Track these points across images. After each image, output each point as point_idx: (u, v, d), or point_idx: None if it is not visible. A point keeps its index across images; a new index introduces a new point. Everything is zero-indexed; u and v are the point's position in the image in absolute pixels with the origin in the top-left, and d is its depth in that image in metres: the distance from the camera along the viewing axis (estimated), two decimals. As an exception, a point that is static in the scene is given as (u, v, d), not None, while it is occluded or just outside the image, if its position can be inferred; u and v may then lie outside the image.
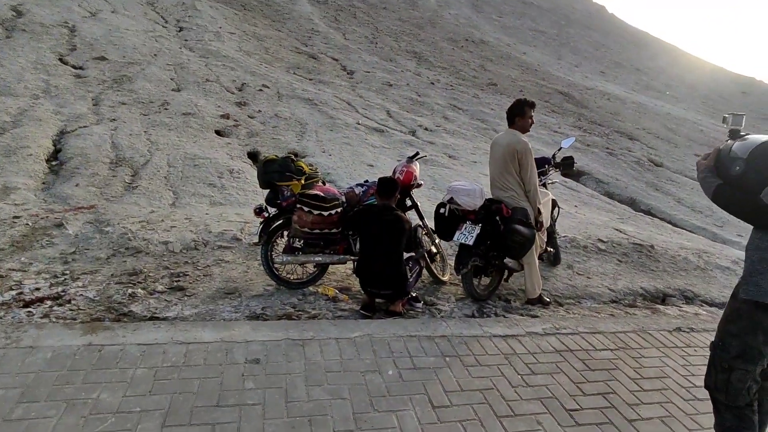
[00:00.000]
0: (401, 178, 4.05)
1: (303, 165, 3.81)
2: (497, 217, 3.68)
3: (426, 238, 4.26)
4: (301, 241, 3.75)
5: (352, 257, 3.92)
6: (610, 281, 4.99)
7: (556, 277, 4.82)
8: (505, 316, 3.79)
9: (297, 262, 3.79)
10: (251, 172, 6.45)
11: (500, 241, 3.69)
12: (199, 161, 6.34)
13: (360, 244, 3.64)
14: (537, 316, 3.89)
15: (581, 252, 5.55)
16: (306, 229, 3.66)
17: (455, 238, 3.85)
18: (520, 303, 4.16)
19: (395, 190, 3.62)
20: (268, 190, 3.84)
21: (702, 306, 4.87)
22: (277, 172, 3.70)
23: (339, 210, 3.72)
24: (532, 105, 3.97)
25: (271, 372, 2.52)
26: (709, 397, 2.10)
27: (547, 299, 4.23)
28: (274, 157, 3.81)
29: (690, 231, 8.43)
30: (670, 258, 5.91)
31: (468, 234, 3.79)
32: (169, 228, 4.51)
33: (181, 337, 2.73)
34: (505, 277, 4.20)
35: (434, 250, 4.36)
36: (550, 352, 3.11)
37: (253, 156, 7.19)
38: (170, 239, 4.31)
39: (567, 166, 4.66)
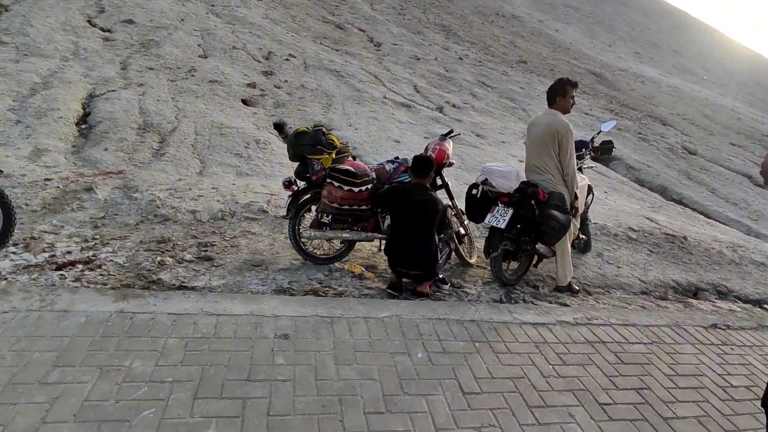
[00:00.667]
0: (433, 155, 3.93)
1: (334, 138, 3.72)
2: (533, 201, 3.56)
3: (455, 219, 4.16)
4: (329, 217, 3.69)
5: (380, 235, 3.86)
6: (641, 272, 4.85)
7: (585, 264, 4.70)
8: (534, 303, 3.71)
9: (324, 237, 3.75)
10: (278, 144, 6.39)
11: (534, 226, 3.57)
12: (226, 130, 6.29)
13: (391, 223, 3.57)
14: (567, 305, 3.80)
15: (611, 240, 5.40)
16: (335, 205, 3.60)
17: (486, 221, 3.75)
18: (549, 290, 4.07)
19: (430, 169, 3.52)
20: (298, 163, 3.77)
21: (736, 302, 4.71)
22: (308, 145, 3.62)
23: (369, 187, 3.64)
24: (574, 85, 3.79)
25: (301, 348, 2.50)
26: (745, 398, 2.00)
27: (576, 287, 4.12)
28: (305, 129, 3.72)
29: (723, 224, 8.14)
30: (703, 251, 5.72)
31: (500, 217, 3.68)
32: (196, 197, 4.50)
33: (211, 309, 2.72)
34: (534, 262, 4.09)
35: (462, 231, 4.26)
36: (582, 343, 3.03)
37: (279, 127, 7.12)
38: (198, 208, 4.30)
39: (605, 151, 4.47)
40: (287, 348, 2.49)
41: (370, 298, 3.23)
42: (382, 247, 3.94)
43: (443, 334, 2.86)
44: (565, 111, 3.78)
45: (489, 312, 3.21)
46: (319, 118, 7.49)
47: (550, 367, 2.72)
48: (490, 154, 7.57)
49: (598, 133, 4.61)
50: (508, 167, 3.64)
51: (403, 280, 3.56)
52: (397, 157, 4.13)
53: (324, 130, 3.74)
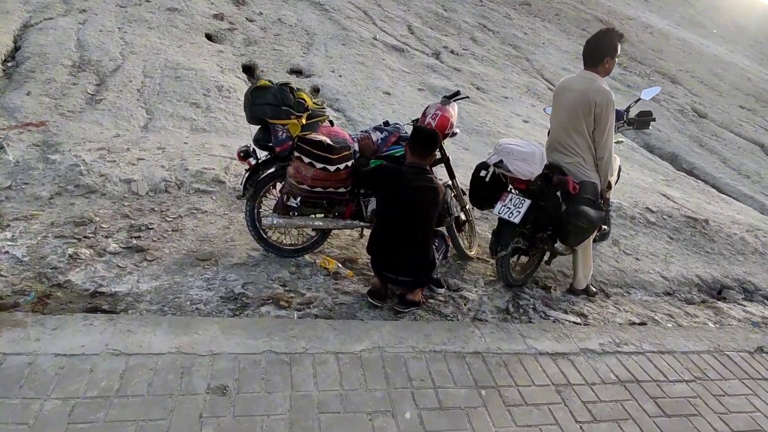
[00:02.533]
0: (433, 123, 3.08)
1: (305, 97, 2.83)
2: (558, 193, 2.79)
3: (454, 201, 3.38)
4: (298, 199, 2.87)
5: (363, 224, 3.08)
6: (662, 265, 4.21)
7: (600, 256, 4.02)
8: (546, 314, 3.04)
9: (291, 225, 2.95)
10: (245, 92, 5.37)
11: (558, 223, 2.83)
12: (183, 72, 5.23)
13: (377, 214, 2.78)
14: (585, 315, 3.15)
15: (628, 224, 4.71)
16: (304, 186, 2.78)
17: (496, 211, 2.99)
18: (561, 291, 3.40)
19: (435, 147, 2.70)
20: (258, 127, 2.90)
21: (765, 304, 4.14)
22: (270, 105, 2.73)
23: (349, 164, 2.81)
24: (621, 37, 2.91)
25: (242, 412, 1.78)
26: None
27: (594, 288, 3.46)
28: (267, 83, 2.81)
29: (736, 199, 7.53)
30: (725, 237, 5.09)
31: (513, 208, 2.92)
32: (135, 160, 3.60)
33: (121, 344, 1.96)
34: (546, 259, 3.39)
35: (463, 217, 3.51)
36: (613, 383, 2.39)
37: (249, 70, 6.05)
38: (135, 177, 3.42)
39: (643, 124, 3.66)
40: (222, 411, 1.77)
41: (343, 321, 2.49)
42: (365, 235, 3.18)
43: (439, 376, 2.17)
44: (607, 74, 2.93)
45: (497, 338, 2.53)
46: (297, 62, 6.42)
47: (577, 426, 2.08)
48: (493, 112, 6.67)
49: (636, 102, 3.77)
50: (530, 146, 2.82)
51: (389, 284, 2.83)
52: (386, 123, 3.27)
53: (292, 85, 2.83)
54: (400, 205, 2.60)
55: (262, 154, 2.93)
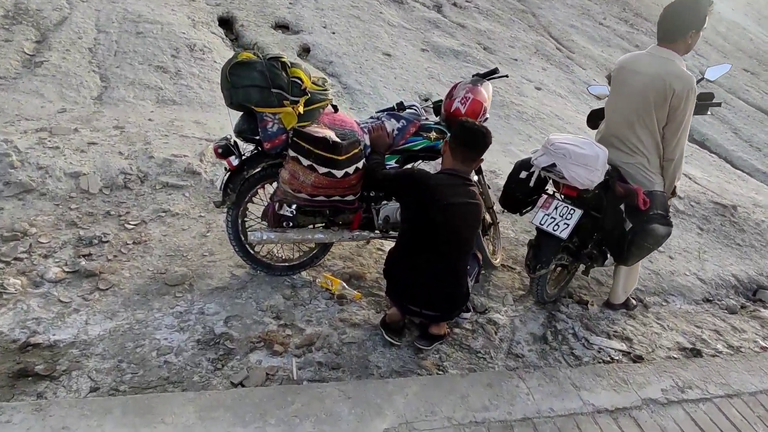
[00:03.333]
0: (462, 109, 2.46)
1: (301, 75, 2.15)
2: (621, 205, 2.24)
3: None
4: (293, 206, 2.26)
5: (374, 236, 2.50)
6: (697, 265, 3.78)
7: (634, 257, 3.54)
8: (588, 342, 2.57)
9: (284, 241, 2.35)
10: (222, 51, 4.56)
11: (616, 240, 2.29)
12: (145, 27, 4.37)
13: (403, 233, 2.18)
14: (629, 339, 2.70)
15: (658, 214, 4.23)
16: (303, 195, 2.17)
17: (538, 221, 2.44)
18: (598, 306, 2.94)
19: (484, 150, 2.11)
20: (241, 114, 2.23)
21: (805, 307, 3.78)
22: (255, 88, 2.06)
23: (360, 166, 2.19)
24: (711, 4, 2.29)
25: None
26: None
27: (633, 301, 3.01)
28: (250, 56, 2.11)
29: (750, 175, 7.14)
30: (754, 226, 4.68)
31: (560, 219, 2.37)
32: (85, 146, 2.89)
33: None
34: (584, 269, 2.89)
35: (488, 219, 2.96)
36: (686, 449, 1.96)
37: (226, 24, 5.17)
38: (84, 169, 2.73)
39: (702, 108, 3.07)
40: None
41: (358, 383, 1.95)
42: (372, 242, 2.61)
43: (486, 461, 1.68)
44: (687, 53, 2.32)
45: (546, 392, 2.04)
46: (282, 14, 5.53)
47: None
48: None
49: (699, 81, 3.17)
50: (591, 147, 2.23)
51: (408, 315, 2.30)
52: (400, 105, 2.63)
53: (284, 59, 2.14)
54: (432, 225, 2.02)
55: (247, 148, 2.28)
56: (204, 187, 2.92)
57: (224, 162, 2.22)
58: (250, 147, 2.28)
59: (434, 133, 2.51)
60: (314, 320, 2.29)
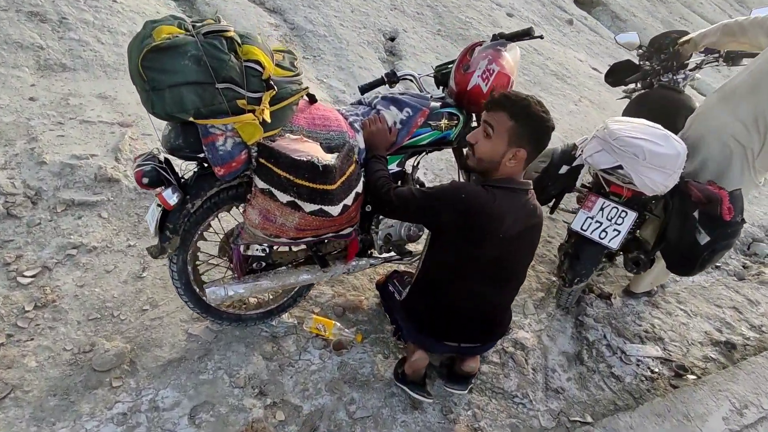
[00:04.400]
0: (483, 87, 1.81)
1: (259, 54, 1.38)
2: (695, 212, 1.76)
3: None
4: (265, 244, 1.60)
5: (376, 261, 1.91)
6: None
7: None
8: (625, 356, 2.24)
9: (259, 292, 1.70)
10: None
11: (687, 252, 1.83)
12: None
13: (440, 266, 1.56)
14: (661, 338, 2.40)
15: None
16: (283, 240, 1.51)
17: (577, 226, 1.95)
18: (620, 297, 2.60)
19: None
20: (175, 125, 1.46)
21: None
22: (189, 86, 1.30)
23: (360, 190, 1.54)
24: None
25: None
26: None
27: (655, 287, 2.68)
28: (174, 31, 1.30)
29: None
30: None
31: (609, 224, 1.90)
32: (-67, 154, 1.96)
33: None
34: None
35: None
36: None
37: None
38: (-62, 194, 1.85)
39: (735, 58, 2.59)
40: None
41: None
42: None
43: None
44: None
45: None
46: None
47: None
48: (472, 4, 5.12)
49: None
50: (670, 143, 1.67)
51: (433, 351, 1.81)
52: (392, 76, 1.94)
53: (232, 33, 1.36)
54: (486, 260, 1.46)
55: (186, 168, 1.55)
56: (128, 199, 2.14)
57: (149, 191, 1.49)
58: (188, 167, 1.55)
59: (445, 120, 1.86)
60: (311, 388, 1.74)
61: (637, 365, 2.22)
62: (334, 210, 1.44)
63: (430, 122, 1.83)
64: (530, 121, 1.44)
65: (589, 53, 5.75)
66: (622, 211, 1.89)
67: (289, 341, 1.88)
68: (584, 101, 4.75)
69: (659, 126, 1.75)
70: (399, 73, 1.97)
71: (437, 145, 1.92)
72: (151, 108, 1.31)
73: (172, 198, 1.43)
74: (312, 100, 1.63)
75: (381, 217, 1.88)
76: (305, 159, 1.35)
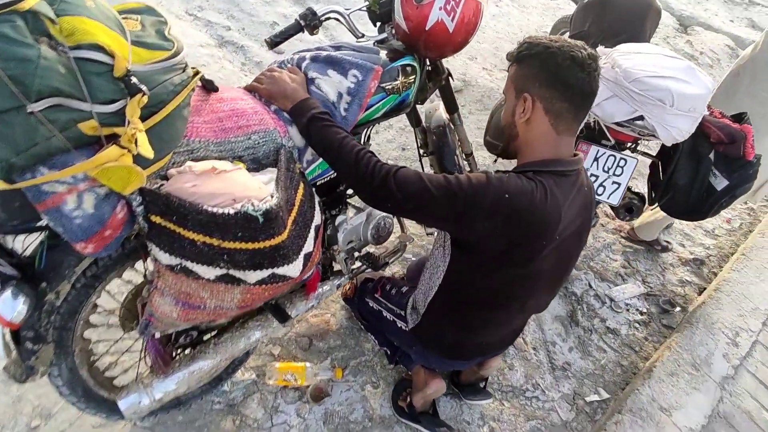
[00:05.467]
0: (450, 27, 1.30)
1: (93, 29, 0.76)
2: (711, 154, 1.48)
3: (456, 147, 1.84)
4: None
5: (344, 280, 1.47)
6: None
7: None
8: (613, 302, 2.10)
9: (200, 379, 1.20)
10: None
11: (698, 197, 1.58)
12: None
13: (466, 287, 1.13)
14: (638, 270, 2.30)
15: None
16: (222, 321, 1.01)
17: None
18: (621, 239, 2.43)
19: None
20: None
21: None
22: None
23: (320, 220, 1.04)
24: None
25: None
26: None
27: (666, 242, 2.47)
28: None
29: None
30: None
31: (607, 177, 1.61)
32: None
33: None
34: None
35: (467, 168, 2.04)
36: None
37: None
38: None
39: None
40: None
41: None
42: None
43: None
44: None
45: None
46: None
47: None
48: None
49: None
50: (697, 77, 1.31)
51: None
52: (308, 15, 1.35)
53: (38, 4, 0.71)
54: (545, 269, 1.08)
55: (35, 246, 0.94)
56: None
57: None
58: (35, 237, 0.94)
59: (401, 77, 1.36)
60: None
61: (627, 311, 2.09)
62: (293, 269, 0.95)
63: (384, 84, 1.31)
64: (534, 58, 1.01)
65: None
66: (621, 159, 1.58)
67: (253, 405, 1.44)
68: (505, 1, 4.30)
69: (672, 52, 1.39)
70: (320, 12, 1.38)
71: (394, 112, 1.43)
72: None
73: (12, 309, 0.84)
74: (209, 87, 1.03)
75: (335, 216, 1.41)
76: (231, 212, 0.82)
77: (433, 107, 1.77)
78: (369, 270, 1.54)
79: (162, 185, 0.86)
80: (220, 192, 0.84)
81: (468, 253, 1.08)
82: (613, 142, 1.57)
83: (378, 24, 1.48)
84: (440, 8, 1.27)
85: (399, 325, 1.35)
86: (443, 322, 1.23)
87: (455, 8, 1.28)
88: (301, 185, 1.01)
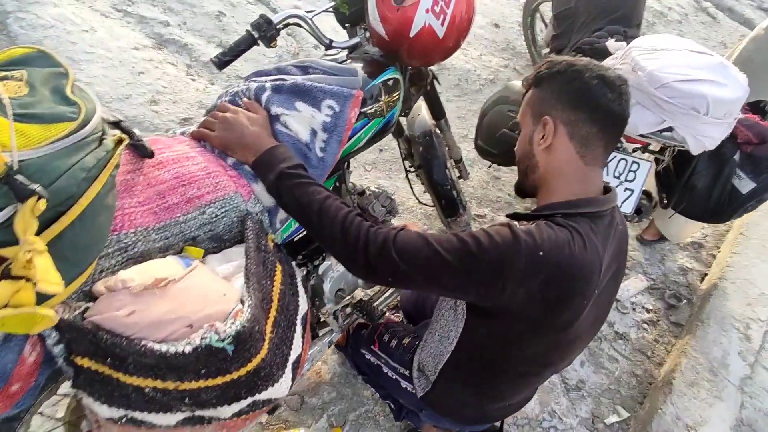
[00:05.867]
0: (439, 31, 1.07)
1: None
2: (737, 155, 1.32)
3: (446, 156, 1.62)
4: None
5: (330, 339, 1.27)
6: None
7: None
8: (619, 302, 1.98)
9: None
10: None
11: (717, 200, 1.43)
12: None
13: (489, 351, 0.93)
14: (639, 263, 2.18)
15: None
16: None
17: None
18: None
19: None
20: None
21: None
22: None
23: (307, 310, 0.82)
24: None
25: None
26: None
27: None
28: None
29: None
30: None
31: (618, 185, 1.43)
32: None
33: None
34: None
35: (456, 174, 1.83)
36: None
37: None
38: None
39: None
40: None
41: None
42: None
43: None
44: None
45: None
46: None
47: None
48: None
49: None
50: (734, 79, 1.12)
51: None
52: (261, 25, 1.09)
53: None
54: (581, 329, 0.91)
55: None
56: None
57: None
58: None
59: (384, 97, 1.13)
60: None
61: (634, 310, 1.98)
62: (280, 389, 0.74)
63: (365, 109, 1.08)
64: (556, 77, 0.85)
65: None
66: (633, 162, 1.40)
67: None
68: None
69: (700, 45, 1.20)
70: (276, 19, 1.12)
71: (379, 136, 1.20)
72: None
73: None
74: (142, 153, 0.77)
75: (317, 266, 1.20)
76: (188, 349, 0.59)
77: (415, 111, 1.54)
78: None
79: (86, 309, 0.62)
80: (168, 318, 0.60)
81: (491, 321, 0.89)
82: (623, 143, 1.40)
83: (347, 26, 1.25)
84: (427, 11, 1.04)
85: (404, 386, 1.16)
86: (461, 390, 1.05)
87: (445, 9, 1.05)
88: (278, 268, 0.78)
